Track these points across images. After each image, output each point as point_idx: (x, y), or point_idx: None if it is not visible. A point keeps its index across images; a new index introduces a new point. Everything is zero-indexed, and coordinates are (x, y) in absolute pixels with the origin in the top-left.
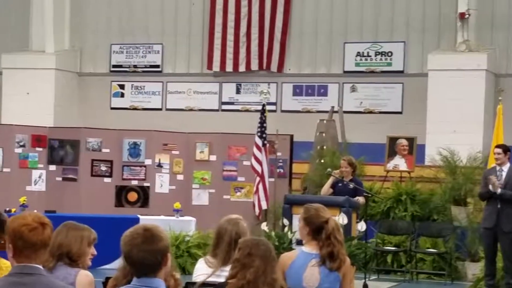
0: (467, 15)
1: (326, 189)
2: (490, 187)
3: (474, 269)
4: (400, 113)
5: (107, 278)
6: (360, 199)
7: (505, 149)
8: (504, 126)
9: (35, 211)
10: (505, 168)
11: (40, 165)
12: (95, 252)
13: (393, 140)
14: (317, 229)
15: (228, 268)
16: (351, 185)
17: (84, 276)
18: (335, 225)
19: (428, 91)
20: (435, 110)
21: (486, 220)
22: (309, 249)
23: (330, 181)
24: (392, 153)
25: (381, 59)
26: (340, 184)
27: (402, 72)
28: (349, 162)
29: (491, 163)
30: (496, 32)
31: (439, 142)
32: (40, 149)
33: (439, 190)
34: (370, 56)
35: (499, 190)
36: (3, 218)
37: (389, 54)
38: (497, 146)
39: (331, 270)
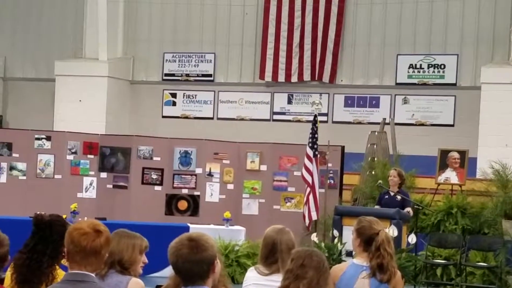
0: None
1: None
2: None
3: None
4: (452, 125)
5: (158, 287)
6: (410, 210)
7: None
8: None
9: (86, 218)
10: None
11: (91, 172)
12: (146, 261)
13: (444, 153)
14: (368, 241)
15: (276, 277)
16: (399, 197)
17: (135, 283)
18: (386, 237)
19: (481, 104)
20: (487, 123)
21: None
22: (360, 261)
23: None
24: (444, 166)
25: (433, 72)
26: (387, 197)
27: (454, 85)
28: (399, 173)
29: None
30: None
31: (491, 155)
32: (92, 156)
33: (490, 203)
34: (422, 68)
35: None
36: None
37: (442, 66)
38: None
39: (381, 282)
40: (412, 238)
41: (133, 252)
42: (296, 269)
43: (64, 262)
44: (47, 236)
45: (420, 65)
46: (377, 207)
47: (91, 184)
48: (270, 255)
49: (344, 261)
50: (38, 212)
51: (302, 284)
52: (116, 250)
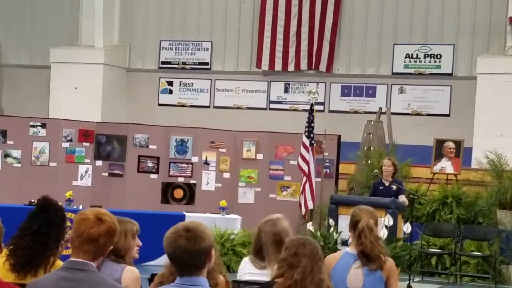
0: None
1: None
2: None
3: None
4: (447, 115)
5: (153, 275)
6: (405, 199)
7: None
8: None
9: (81, 206)
10: None
11: (87, 160)
12: (140, 243)
13: (440, 143)
14: (353, 227)
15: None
16: (394, 187)
17: (129, 272)
18: (366, 225)
19: (477, 94)
20: (482, 113)
21: None
22: (353, 250)
23: None
24: (439, 156)
25: (430, 62)
26: (382, 187)
27: (450, 74)
28: (393, 162)
29: None
30: None
31: (486, 145)
32: (87, 144)
33: (485, 193)
34: (419, 58)
35: None
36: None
37: (438, 56)
38: None
39: (371, 270)
40: (407, 227)
41: (126, 238)
42: (290, 257)
43: (65, 251)
44: (53, 218)
45: (417, 54)
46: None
47: (86, 172)
48: (261, 248)
49: (340, 250)
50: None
51: (296, 272)
52: None
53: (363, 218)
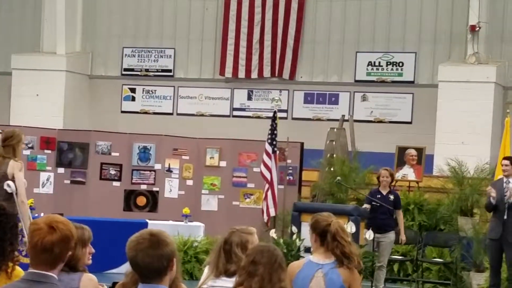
0: (478, 28)
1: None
2: (491, 199)
3: (479, 280)
4: (409, 123)
5: (114, 283)
6: (400, 214)
7: None
8: (511, 139)
9: (42, 214)
10: None
11: (49, 168)
12: (93, 250)
13: (402, 150)
14: (322, 234)
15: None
16: (391, 197)
17: (88, 280)
18: (339, 226)
19: (438, 102)
20: (444, 121)
21: (492, 231)
22: (317, 258)
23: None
24: (401, 163)
25: (392, 69)
26: (379, 196)
27: (412, 82)
28: (390, 173)
29: (498, 175)
30: (505, 45)
31: (447, 152)
32: (49, 151)
33: (447, 200)
34: (381, 66)
35: (494, 202)
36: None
37: (400, 64)
38: (505, 158)
39: (350, 270)
40: (370, 235)
41: (75, 250)
42: (248, 265)
43: (24, 260)
44: (5, 223)
45: (379, 62)
46: (366, 206)
47: (48, 179)
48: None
49: (303, 257)
50: None
51: (253, 282)
52: None
53: (332, 221)
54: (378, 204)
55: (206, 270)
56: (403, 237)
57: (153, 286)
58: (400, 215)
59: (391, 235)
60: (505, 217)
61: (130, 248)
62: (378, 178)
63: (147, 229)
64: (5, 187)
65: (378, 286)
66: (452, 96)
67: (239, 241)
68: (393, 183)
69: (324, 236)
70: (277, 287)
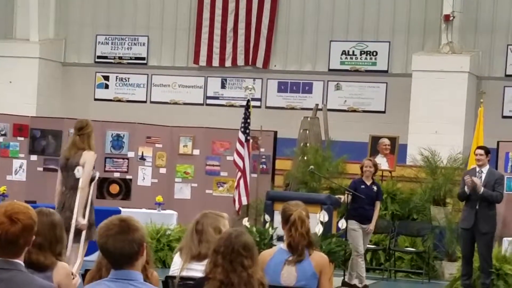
0: (452, 18)
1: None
2: (466, 188)
3: (451, 269)
4: (383, 112)
5: (87, 270)
6: (378, 205)
7: (487, 151)
8: (484, 128)
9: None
10: (485, 169)
11: (21, 155)
12: None
13: (375, 139)
14: (286, 222)
15: (201, 262)
16: (375, 188)
17: (61, 268)
18: (298, 217)
19: (412, 92)
20: (417, 111)
21: (464, 221)
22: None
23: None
24: (374, 152)
25: (366, 58)
26: (363, 187)
27: (386, 72)
28: (374, 163)
29: (471, 164)
30: (479, 35)
31: (420, 142)
32: (22, 138)
33: (419, 190)
34: (355, 55)
35: (482, 190)
36: None
37: (374, 53)
38: (479, 148)
39: (290, 262)
40: (342, 223)
41: (61, 234)
42: (211, 255)
43: None
44: None
45: (353, 51)
46: (341, 196)
47: (20, 166)
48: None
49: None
50: None
51: (217, 272)
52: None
53: (295, 211)
54: (362, 195)
55: (176, 257)
56: (371, 227)
57: (125, 272)
58: (377, 207)
59: (371, 225)
60: (477, 207)
61: (100, 234)
62: (361, 168)
63: (116, 215)
64: (75, 171)
65: (361, 275)
66: (425, 86)
67: (212, 221)
68: (376, 174)
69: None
70: (244, 275)
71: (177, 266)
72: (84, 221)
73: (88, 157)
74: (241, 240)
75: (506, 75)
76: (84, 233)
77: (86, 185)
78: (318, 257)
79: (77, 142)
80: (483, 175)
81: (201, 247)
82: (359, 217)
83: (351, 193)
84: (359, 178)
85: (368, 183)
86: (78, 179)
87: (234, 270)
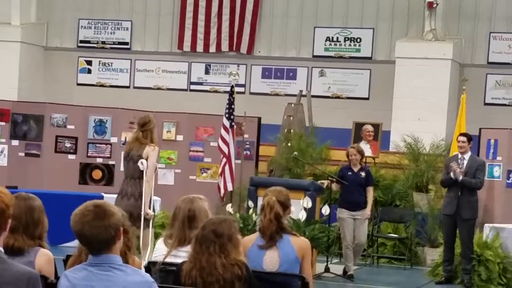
0: (435, 5)
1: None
2: (452, 174)
3: (433, 255)
4: (367, 99)
5: (68, 256)
6: (370, 190)
7: (469, 137)
8: (466, 115)
9: None
10: (467, 156)
11: (2, 140)
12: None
13: (359, 126)
14: (261, 209)
15: (185, 248)
16: (363, 174)
17: (43, 255)
18: (266, 202)
19: (395, 79)
20: (401, 97)
21: (446, 207)
22: None
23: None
24: (358, 139)
25: (350, 45)
26: (350, 173)
27: (370, 58)
28: (358, 149)
29: (453, 151)
30: (462, 22)
31: (404, 129)
32: (3, 123)
33: (402, 176)
34: (339, 41)
35: (460, 177)
36: None
37: (358, 40)
38: (462, 134)
39: (261, 248)
40: (326, 210)
41: (43, 219)
42: (193, 243)
43: None
44: None
45: (337, 38)
46: (323, 182)
47: (2, 151)
48: (174, 225)
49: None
50: None
51: (198, 259)
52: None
53: (267, 195)
54: (349, 182)
55: (159, 244)
56: (368, 212)
57: (103, 256)
58: (370, 192)
59: (365, 212)
60: (459, 193)
61: (75, 221)
62: (347, 155)
63: (90, 201)
64: (139, 163)
65: (348, 264)
66: (409, 73)
67: (201, 206)
68: (363, 160)
69: None
70: (212, 260)
71: (159, 252)
72: (151, 212)
73: (152, 151)
74: (214, 227)
75: (489, 63)
76: (151, 222)
77: (151, 178)
78: (300, 242)
79: (140, 137)
80: (465, 162)
81: (193, 232)
82: (349, 204)
83: (334, 180)
84: (347, 165)
85: (356, 169)
86: (142, 171)
87: (202, 253)
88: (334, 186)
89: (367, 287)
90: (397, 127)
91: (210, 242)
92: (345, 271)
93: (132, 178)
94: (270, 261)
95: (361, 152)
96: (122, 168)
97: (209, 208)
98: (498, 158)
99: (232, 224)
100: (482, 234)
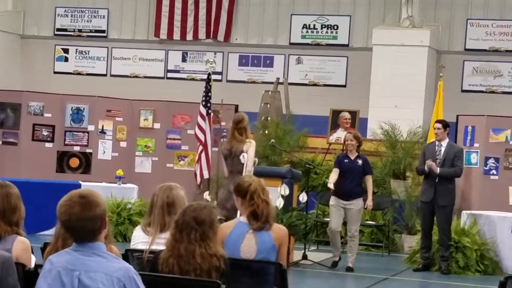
0: None
1: (333, 177)
2: (426, 168)
3: (411, 242)
4: (344, 86)
5: (46, 244)
6: (369, 179)
7: (445, 124)
8: (444, 102)
9: None
10: (444, 143)
11: None
12: None
13: (336, 113)
14: (244, 195)
15: (163, 235)
16: (359, 162)
17: (20, 243)
18: (258, 185)
19: (372, 66)
20: (378, 85)
21: (423, 194)
22: (247, 219)
23: (333, 173)
24: (335, 126)
25: (327, 32)
26: (346, 161)
27: (347, 45)
28: (354, 135)
29: (430, 138)
30: (439, 9)
31: (381, 116)
32: None
33: (380, 163)
34: (316, 28)
35: (438, 170)
36: None
37: (335, 27)
38: (437, 122)
39: (257, 230)
40: (303, 197)
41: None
42: (172, 231)
43: None
44: None
45: (314, 25)
46: (335, 170)
47: None
48: (152, 212)
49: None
50: None
51: (176, 247)
52: None
53: (253, 180)
54: (345, 169)
55: (137, 231)
56: (369, 203)
57: (88, 244)
58: (369, 181)
59: (359, 202)
60: (437, 180)
61: (61, 212)
62: (344, 142)
63: (76, 191)
64: (241, 157)
65: (350, 256)
66: (386, 60)
67: (178, 193)
68: (361, 147)
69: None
70: (190, 248)
71: (137, 240)
72: (306, 198)
73: (251, 146)
74: (195, 213)
75: (466, 49)
76: None
77: (252, 169)
78: (278, 230)
79: (236, 135)
80: (443, 149)
81: (173, 218)
82: (341, 193)
83: (311, 166)
84: (344, 153)
85: (352, 157)
86: (243, 164)
87: (182, 241)
88: (332, 179)
89: (344, 274)
90: (374, 114)
91: (191, 229)
92: (334, 261)
93: (238, 172)
94: (248, 249)
95: (358, 138)
96: (99, 156)
97: (186, 196)
98: (476, 145)
99: (213, 211)
100: (460, 221)
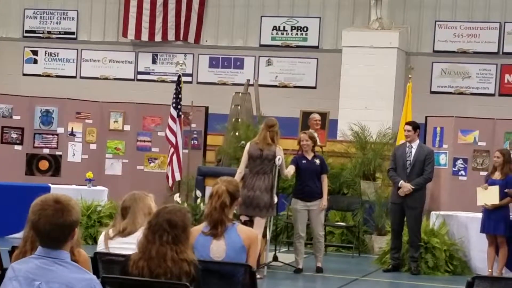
0: None
1: (290, 171)
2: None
3: (381, 243)
4: (314, 88)
5: (14, 247)
6: (325, 179)
7: (415, 126)
8: (413, 104)
9: None
10: (415, 145)
11: None
12: None
13: (306, 115)
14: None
15: (130, 239)
16: (317, 161)
17: None
18: (215, 190)
19: (342, 67)
20: (347, 86)
21: (394, 195)
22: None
23: (290, 168)
24: (305, 128)
25: (297, 34)
26: (304, 161)
27: (317, 47)
28: (310, 135)
29: (400, 140)
30: (408, 11)
31: (351, 117)
32: None
33: (350, 164)
34: (286, 30)
35: (410, 187)
36: None
37: (305, 29)
38: (407, 123)
39: (205, 235)
40: (199, 193)
41: None
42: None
43: None
44: None
45: (284, 27)
46: (292, 166)
47: None
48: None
49: None
50: None
51: (147, 250)
52: None
53: (216, 185)
54: (304, 170)
55: (102, 235)
56: (324, 202)
57: (52, 252)
58: (324, 180)
59: (322, 202)
60: (406, 181)
61: (33, 211)
62: (298, 143)
63: (54, 194)
64: (276, 160)
65: (318, 256)
66: (355, 61)
67: (137, 197)
68: (316, 147)
69: None
70: (162, 250)
71: (101, 244)
72: (276, 199)
73: (280, 151)
74: (169, 216)
75: (434, 51)
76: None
77: (284, 174)
78: (247, 231)
79: (267, 138)
80: (413, 150)
81: (126, 223)
82: (303, 194)
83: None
84: (300, 153)
85: (309, 157)
86: (273, 166)
87: (154, 242)
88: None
89: (315, 275)
90: (344, 115)
91: (163, 232)
92: (297, 268)
93: (265, 173)
94: (217, 249)
95: (313, 138)
96: (68, 159)
97: (154, 206)
98: (444, 146)
99: (187, 214)
100: (429, 221)
